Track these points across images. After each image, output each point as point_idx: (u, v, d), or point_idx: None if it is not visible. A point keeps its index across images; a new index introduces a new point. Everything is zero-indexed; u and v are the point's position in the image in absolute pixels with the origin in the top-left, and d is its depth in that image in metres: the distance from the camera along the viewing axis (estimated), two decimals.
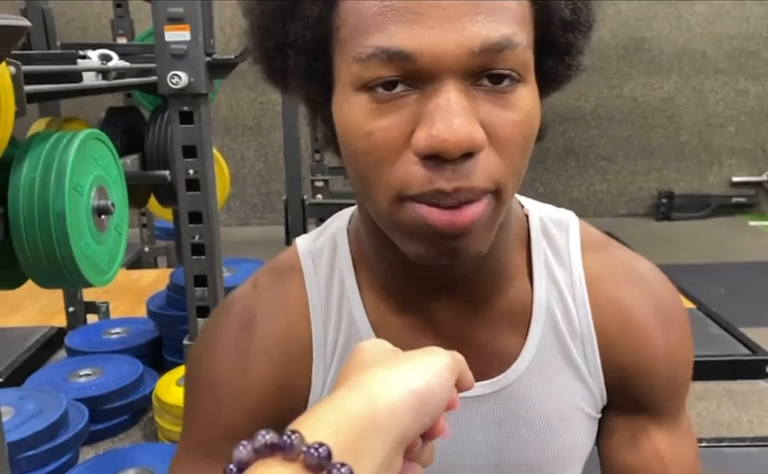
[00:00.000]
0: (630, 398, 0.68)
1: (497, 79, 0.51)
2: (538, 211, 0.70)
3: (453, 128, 0.48)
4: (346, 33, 0.52)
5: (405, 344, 0.63)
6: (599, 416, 0.70)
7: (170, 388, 2.18)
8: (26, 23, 0.74)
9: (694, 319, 2.98)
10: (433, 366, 0.45)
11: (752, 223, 5.36)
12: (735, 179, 5.59)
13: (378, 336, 0.64)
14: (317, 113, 0.60)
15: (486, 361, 0.65)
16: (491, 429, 0.66)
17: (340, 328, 0.66)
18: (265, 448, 0.36)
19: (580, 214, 0.73)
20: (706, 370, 2.55)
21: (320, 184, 3.97)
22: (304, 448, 0.36)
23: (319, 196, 3.89)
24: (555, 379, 0.66)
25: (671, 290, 0.70)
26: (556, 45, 0.56)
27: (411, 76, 0.50)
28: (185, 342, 1.78)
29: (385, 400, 0.41)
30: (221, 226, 1.80)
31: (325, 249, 0.68)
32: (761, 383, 2.65)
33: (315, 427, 0.38)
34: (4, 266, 1.40)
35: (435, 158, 0.50)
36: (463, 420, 0.66)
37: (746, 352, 2.72)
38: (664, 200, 5.48)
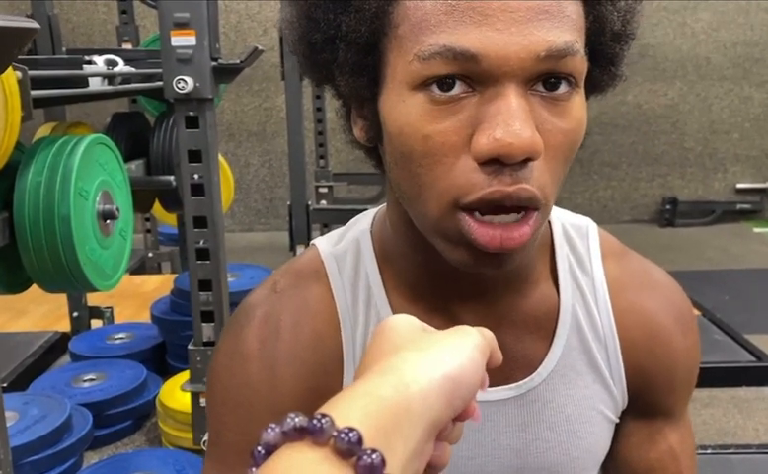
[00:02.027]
0: (649, 402, 0.69)
1: (552, 85, 0.51)
2: (559, 217, 0.70)
3: (516, 133, 0.48)
4: (407, 29, 0.51)
5: None
6: (617, 420, 0.70)
7: (174, 393, 2.18)
8: (34, 25, 0.75)
9: (699, 326, 2.95)
10: (466, 348, 0.44)
11: (757, 230, 5.34)
12: (740, 185, 5.58)
13: None
14: (361, 109, 0.59)
15: (511, 365, 0.64)
16: (515, 432, 0.65)
17: (367, 331, 0.65)
18: (294, 431, 0.35)
19: None
20: (711, 378, 2.54)
21: (324, 190, 3.98)
22: (334, 433, 0.34)
23: (323, 201, 3.90)
24: (578, 383, 0.66)
25: (685, 296, 0.71)
26: (604, 55, 0.56)
27: (472, 77, 0.50)
28: (189, 347, 1.78)
29: (418, 385, 0.39)
30: (226, 232, 1.80)
31: (348, 252, 0.67)
32: (767, 390, 2.64)
33: (346, 411, 0.36)
34: (9, 270, 1.40)
35: (495, 163, 0.49)
36: (488, 424, 0.65)
37: (752, 358, 2.71)
38: (668, 207, 5.48)
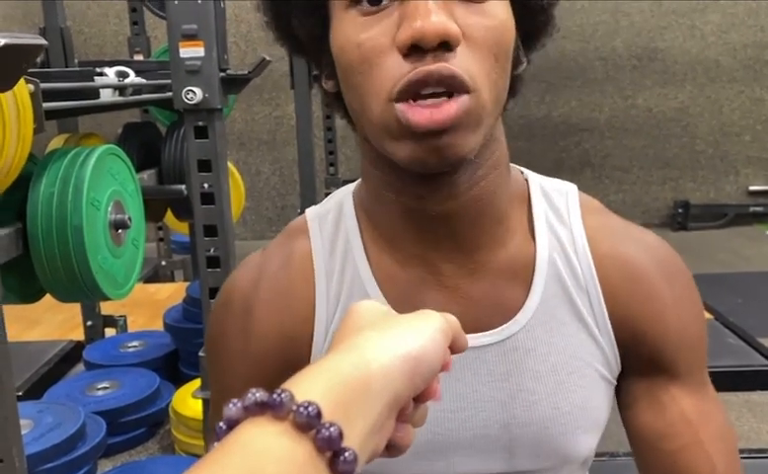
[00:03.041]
0: (644, 357, 0.68)
1: None
2: (538, 178, 0.72)
3: (431, 20, 0.53)
4: None
5: (409, 295, 0.66)
6: (615, 382, 0.69)
7: (186, 401, 2.19)
8: (42, 41, 0.76)
9: (712, 330, 2.94)
10: (427, 330, 0.45)
11: None
12: (752, 188, 5.54)
13: (383, 289, 0.67)
14: (320, 54, 0.64)
15: (489, 312, 0.66)
16: (497, 382, 0.66)
17: (343, 281, 0.68)
18: (254, 407, 0.36)
19: None
20: (724, 381, 2.52)
21: None
22: (294, 407, 0.36)
23: None
24: (561, 331, 0.66)
25: (672, 251, 0.71)
26: None
27: None
28: (200, 354, 1.79)
29: (378, 363, 0.41)
30: (237, 240, 1.81)
31: (331, 211, 0.72)
32: None
33: (306, 387, 0.38)
34: (23, 280, 1.42)
35: (417, 51, 0.54)
36: (469, 373, 0.66)
37: (765, 362, 2.69)
38: (680, 210, 5.44)
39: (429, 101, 0.55)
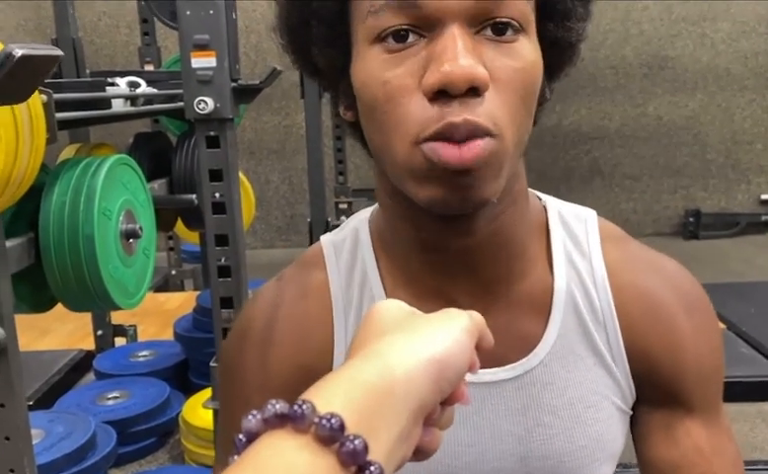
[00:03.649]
0: (659, 388, 0.67)
1: (499, 30, 0.55)
2: (556, 205, 0.71)
3: (459, 64, 0.51)
4: None
5: None
6: (630, 412, 0.69)
7: (196, 410, 2.19)
8: (58, 52, 0.77)
9: (725, 340, 2.91)
10: (452, 331, 0.43)
11: None
12: (764, 196, 5.51)
13: None
14: (338, 83, 0.63)
15: (507, 346, 0.65)
16: (514, 416, 0.65)
17: (360, 313, 0.67)
18: (274, 418, 0.35)
19: None
20: (738, 391, 2.50)
21: (344, 206, 3.99)
22: (316, 419, 0.34)
23: (343, 217, 3.91)
24: (578, 365, 0.66)
25: (694, 282, 0.70)
26: (556, 9, 0.59)
27: (419, 24, 0.54)
28: (211, 364, 1.78)
29: (402, 369, 0.39)
30: (247, 249, 1.81)
31: (347, 239, 0.71)
32: None
33: (328, 397, 0.36)
34: (35, 289, 1.43)
35: (444, 95, 0.53)
36: (487, 407, 0.65)
37: None
38: (692, 219, 5.42)
39: (457, 138, 0.54)
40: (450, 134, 0.53)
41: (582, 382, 0.66)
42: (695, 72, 5.36)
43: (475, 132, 0.53)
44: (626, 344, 0.66)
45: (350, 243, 0.70)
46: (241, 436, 0.36)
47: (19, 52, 0.72)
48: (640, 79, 5.36)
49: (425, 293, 0.65)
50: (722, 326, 3.06)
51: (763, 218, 5.43)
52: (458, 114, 0.53)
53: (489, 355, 0.63)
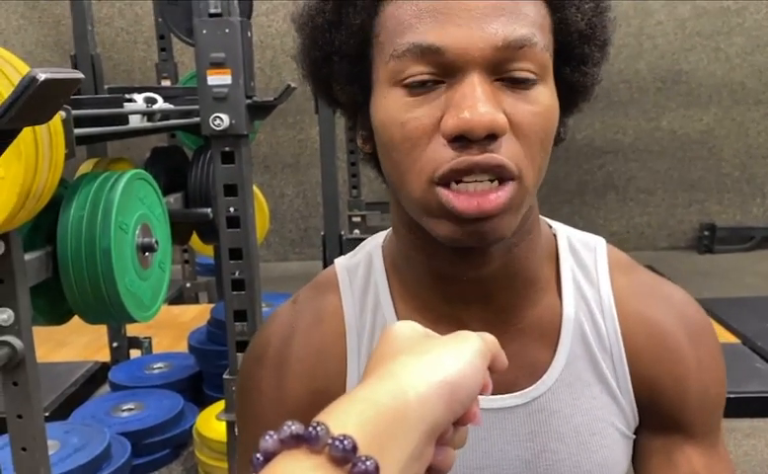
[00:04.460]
0: (662, 415, 0.68)
1: (517, 81, 0.56)
2: (566, 232, 0.72)
3: (478, 111, 0.53)
4: (385, 37, 0.59)
5: None
6: (633, 436, 0.70)
7: (210, 423, 2.20)
8: (79, 75, 0.79)
9: (740, 354, 2.90)
10: (465, 353, 0.44)
11: None
12: None
13: None
14: (357, 115, 0.65)
15: (516, 373, 0.66)
16: (522, 442, 0.67)
17: (373, 338, 0.69)
18: (290, 439, 0.36)
19: (621, 248, 0.74)
20: (753, 407, 2.48)
21: (357, 219, 4.01)
22: (329, 440, 0.35)
23: (356, 231, 3.92)
24: (585, 393, 0.67)
25: (700, 311, 0.71)
26: (573, 55, 0.61)
27: (440, 71, 0.56)
28: (225, 376, 1.80)
29: (415, 391, 0.40)
30: (261, 262, 1.83)
31: (361, 264, 0.72)
32: None
33: (342, 418, 0.37)
34: (52, 302, 1.45)
35: (462, 140, 0.54)
36: (495, 432, 0.67)
37: None
38: (706, 233, 5.38)
39: (473, 187, 0.55)
40: (470, 170, 0.54)
41: (589, 410, 0.67)
42: (709, 86, 5.34)
43: (498, 172, 0.55)
44: (631, 372, 0.67)
45: (364, 268, 0.72)
46: (258, 456, 0.37)
47: (42, 76, 0.75)
48: (654, 93, 5.35)
49: (438, 319, 0.66)
50: (736, 341, 3.03)
51: None
52: (477, 153, 0.54)
53: (499, 382, 0.64)
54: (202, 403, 2.52)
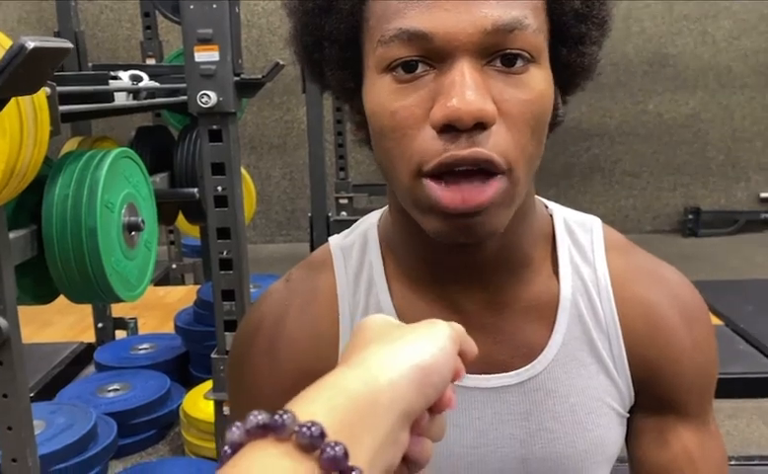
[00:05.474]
0: (657, 396, 0.69)
1: (509, 61, 0.55)
2: (562, 213, 0.72)
3: (467, 100, 0.52)
4: (374, 22, 0.57)
5: None
6: (627, 415, 0.70)
7: (197, 403, 2.20)
8: (68, 45, 0.78)
9: (723, 336, 2.93)
10: (436, 338, 0.44)
11: None
12: (764, 194, 5.52)
13: None
14: (349, 101, 0.64)
15: (512, 352, 0.66)
16: (517, 421, 0.67)
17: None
18: (256, 429, 0.36)
19: None
20: (735, 388, 2.52)
21: (344, 201, 4.00)
22: (296, 428, 0.35)
23: (343, 212, 3.92)
24: (581, 372, 0.67)
25: (694, 292, 0.71)
26: (569, 35, 0.59)
27: (429, 56, 0.55)
28: (213, 355, 1.80)
29: (386, 376, 0.40)
30: (248, 243, 1.82)
31: (356, 244, 0.72)
32: None
33: (310, 406, 0.37)
34: (37, 281, 1.44)
35: (451, 130, 0.53)
36: (490, 412, 0.67)
37: None
38: (691, 217, 5.43)
39: (463, 184, 0.54)
40: (458, 164, 0.54)
41: (585, 389, 0.67)
42: (696, 70, 5.36)
43: (486, 166, 0.54)
44: (628, 352, 0.68)
45: (359, 247, 0.71)
46: (227, 448, 0.37)
47: (31, 45, 0.74)
48: (640, 76, 5.36)
49: (433, 300, 0.66)
50: (720, 323, 3.07)
51: (762, 216, 5.44)
52: (465, 147, 0.53)
53: (495, 362, 0.64)
54: (189, 384, 2.52)
